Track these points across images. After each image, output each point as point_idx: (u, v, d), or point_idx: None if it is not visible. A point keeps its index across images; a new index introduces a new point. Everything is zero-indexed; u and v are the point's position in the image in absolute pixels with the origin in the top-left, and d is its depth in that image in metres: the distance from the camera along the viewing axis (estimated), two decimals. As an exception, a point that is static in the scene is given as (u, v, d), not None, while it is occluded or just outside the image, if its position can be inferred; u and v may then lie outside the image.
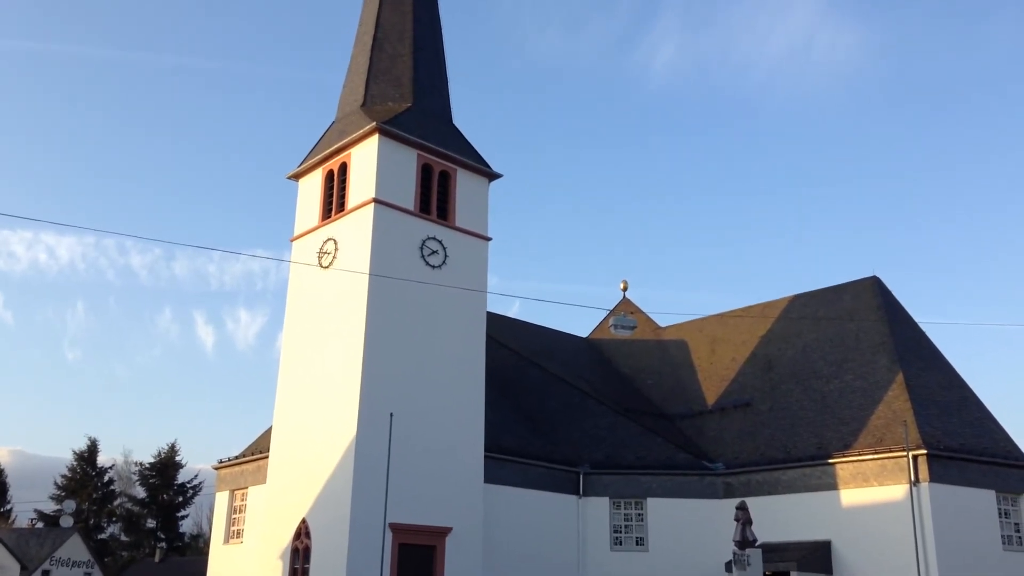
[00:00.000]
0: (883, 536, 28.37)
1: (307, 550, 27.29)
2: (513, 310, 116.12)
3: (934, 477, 28.02)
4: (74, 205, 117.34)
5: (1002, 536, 29.32)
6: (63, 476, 62.66)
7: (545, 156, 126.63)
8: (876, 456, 29.23)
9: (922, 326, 35.65)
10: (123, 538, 63.27)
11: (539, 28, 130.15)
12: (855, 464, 29.76)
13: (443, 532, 27.71)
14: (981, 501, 29.08)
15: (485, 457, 29.60)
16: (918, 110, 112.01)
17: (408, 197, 29.95)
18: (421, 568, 27.09)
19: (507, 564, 29.88)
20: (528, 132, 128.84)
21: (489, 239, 31.87)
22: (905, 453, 28.26)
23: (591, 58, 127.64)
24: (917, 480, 28.06)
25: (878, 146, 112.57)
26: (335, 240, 30.00)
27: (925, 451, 28.05)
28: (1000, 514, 29.56)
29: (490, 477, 29.77)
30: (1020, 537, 29.83)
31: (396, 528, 26.46)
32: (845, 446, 30.45)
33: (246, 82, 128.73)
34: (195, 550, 62.55)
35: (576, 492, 33.12)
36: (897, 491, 28.51)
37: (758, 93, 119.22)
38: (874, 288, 36.37)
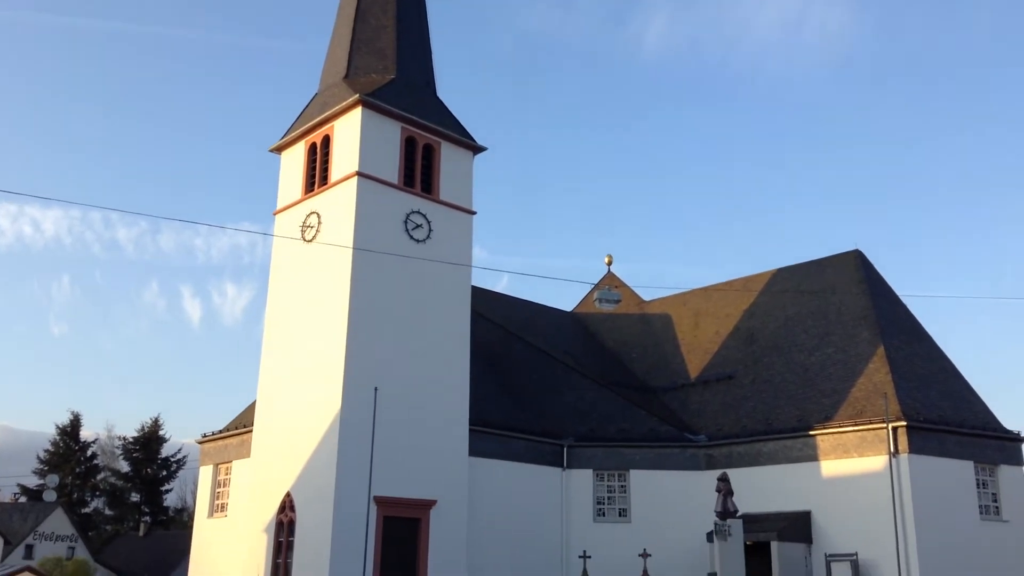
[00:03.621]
0: (862, 506, 28.73)
1: (291, 523, 27.39)
2: (501, 285, 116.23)
3: (913, 448, 28.34)
4: (60, 178, 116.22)
5: (980, 506, 29.77)
6: (46, 451, 62.48)
7: (531, 129, 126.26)
8: (856, 428, 29.53)
9: (903, 299, 35.99)
10: (107, 512, 63.28)
11: (529, 1, 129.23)
12: (835, 436, 30.07)
13: (428, 505, 27.86)
14: (959, 472, 29.47)
15: (470, 430, 29.72)
16: (904, 85, 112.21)
17: (392, 170, 29.80)
18: (406, 540, 27.27)
19: (491, 536, 30.09)
20: (514, 105, 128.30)
21: (474, 213, 31.79)
22: (885, 425, 28.57)
23: (581, 32, 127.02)
24: (896, 451, 28.38)
25: (862, 121, 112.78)
26: (318, 213, 29.86)
27: (904, 423, 28.35)
28: (978, 484, 29.99)
29: (475, 450, 29.90)
30: (997, 507, 30.28)
31: (381, 501, 26.58)
32: (826, 418, 30.74)
33: (229, 53, 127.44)
34: (179, 524, 62.66)
35: (560, 464, 33.33)
36: (877, 462, 28.84)
37: (747, 69, 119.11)
38: (856, 261, 36.54)
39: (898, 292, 36.11)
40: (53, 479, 54.52)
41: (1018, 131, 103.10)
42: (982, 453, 30.31)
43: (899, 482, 28.06)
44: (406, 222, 29.60)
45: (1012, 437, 31.28)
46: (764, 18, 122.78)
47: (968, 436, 29.98)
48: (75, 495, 61.21)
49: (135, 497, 62.67)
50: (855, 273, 35.97)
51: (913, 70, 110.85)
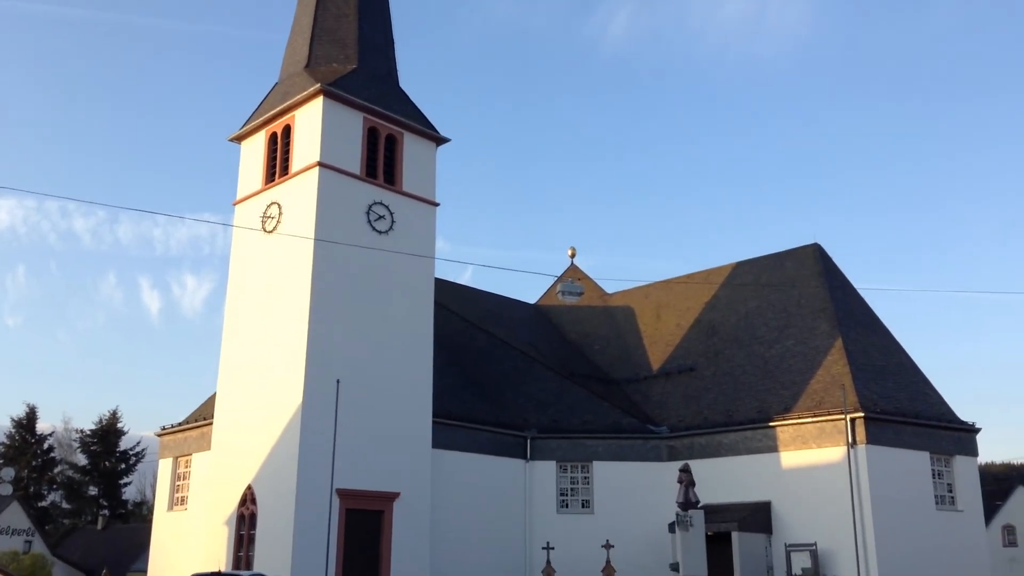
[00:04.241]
0: (821, 496, 29.10)
1: (253, 516, 27.17)
2: (465, 276, 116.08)
3: (871, 439, 28.74)
4: (14, 167, 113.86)
5: (935, 496, 30.29)
6: (1, 443, 61.35)
7: (495, 121, 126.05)
8: (815, 419, 29.87)
9: (861, 292, 36.49)
10: (64, 506, 62.35)
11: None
12: (795, 427, 30.41)
13: (391, 497, 27.76)
14: (915, 462, 29.95)
15: (433, 422, 29.65)
16: (864, 79, 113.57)
17: (354, 161, 29.56)
18: (369, 533, 27.16)
19: (455, 528, 30.08)
20: (478, 96, 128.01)
21: (437, 204, 31.65)
22: (843, 416, 28.93)
23: (545, 23, 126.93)
24: (854, 442, 28.76)
25: (823, 114, 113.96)
26: (279, 204, 29.56)
27: (862, 414, 28.73)
28: (933, 475, 30.50)
29: (438, 442, 29.84)
30: (952, 497, 30.83)
31: (343, 494, 26.45)
32: (785, 409, 31.07)
33: (189, 40, 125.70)
34: (139, 517, 61.90)
35: (523, 456, 33.38)
36: (835, 453, 29.21)
37: (710, 60, 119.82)
38: (815, 255, 36.93)
39: (855, 285, 36.66)
40: (9, 472, 53.47)
41: (977, 125, 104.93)
42: (938, 444, 30.82)
43: (857, 473, 28.45)
44: (368, 213, 29.40)
45: (967, 428, 31.85)
46: (725, 11, 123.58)
47: (924, 427, 30.46)
48: (32, 488, 60.19)
49: (93, 490, 61.79)
50: (814, 266, 36.36)
51: (876, 60, 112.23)
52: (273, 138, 30.90)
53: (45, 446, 62.55)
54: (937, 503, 30.27)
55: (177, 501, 34.40)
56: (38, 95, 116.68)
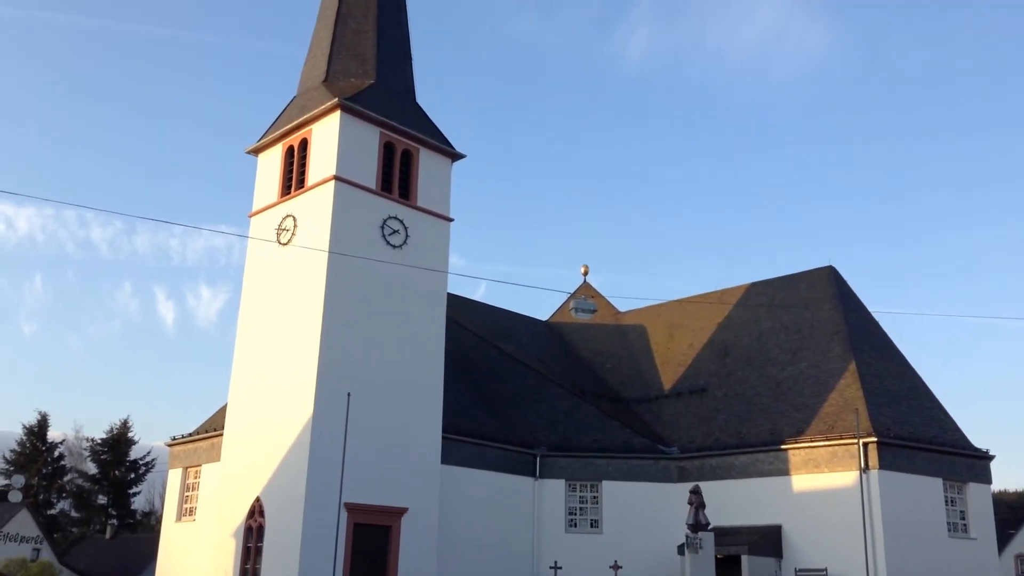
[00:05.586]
0: (832, 521, 28.83)
1: (261, 528, 27.12)
2: (478, 292, 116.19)
3: (883, 464, 28.50)
4: (34, 176, 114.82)
5: (948, 523, 29.95)
6: (12, 451, 61.53)
7: (511, 138, 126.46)
8: (827, 443, 29.65)
9: (875, 315, 36.28)
10: (73, 514, 62.41)
11: (512, 10, 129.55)
12: (807, 450, 30.19)
13: (399, 512, 27.68)
14: (928, 489, 29.65)
15: (442, 438, 29.58)
16: (883, 102, 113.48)
17: (369, 175, 29.67)
18: (376, 548, 27.08)
19: (462, 545, 29.95)
20: (495, 114, 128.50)
21: (451, 220, 31.72)
22: (856, 440, 28.71)
23: (563, 42, 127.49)
24: (867, 467, 28.52)
25: (840, 137, 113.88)
26: (294, 217, 29.67)
27: (875, 439, 28.51)
28: (946, 502, 30.19)
29: (447, 458, 29.76)
30: (965, 524, 30.49)
31: (351, 508, 26.38)
32: (797, 432, 30.85)
33: (209, 52, 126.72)
34: (147, 527, 61.92)
35: (532, 474, 33.23)
36: (847, 477, 28.97)
37: (728, 83, 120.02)
38: (830, 277, 36.80)
39: (870, 308, 36.47)
40: (19, 479, 53.58)
41: (994, 149, 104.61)
42: (951, 470, 30.52)
43: (869, 498, 28.19)
44: (383, 227, 29.47)
45: (981, 455, 31.54)
46: (743, 34, 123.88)
47: (937, 453, 30.18)
48: (41, 496, 60.29)
49: (102, 499, 61.83)
50: (828, 289, 36.21)
51: (893, 85, 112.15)
52: (290, 151, 31.06)
53: (55, 454, 62.71)
54: (950, 530, 29.94)
55: (186, 512, 34.38)
56: (57, 105, 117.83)
